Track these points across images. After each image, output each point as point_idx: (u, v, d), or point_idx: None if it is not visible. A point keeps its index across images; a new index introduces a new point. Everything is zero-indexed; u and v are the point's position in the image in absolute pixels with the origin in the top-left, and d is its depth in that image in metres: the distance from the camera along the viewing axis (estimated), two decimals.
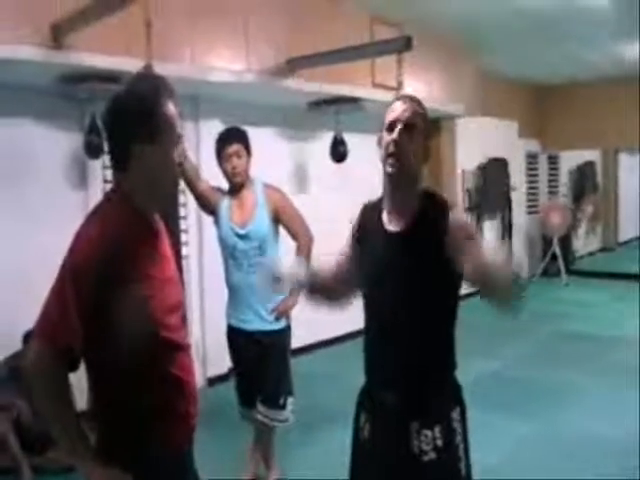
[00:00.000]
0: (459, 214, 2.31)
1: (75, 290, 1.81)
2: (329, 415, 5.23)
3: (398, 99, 2.39)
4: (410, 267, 2.26)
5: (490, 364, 6.73)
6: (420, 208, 2.30)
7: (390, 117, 2.32)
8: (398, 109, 2.31)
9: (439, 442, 2.23)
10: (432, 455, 2.22)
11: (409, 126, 2.28)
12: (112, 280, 1.82)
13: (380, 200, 2.42)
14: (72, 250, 1.87)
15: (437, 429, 2.23)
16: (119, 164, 1.99)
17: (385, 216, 2.37)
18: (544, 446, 4.85)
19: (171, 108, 1.95)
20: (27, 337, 4.67)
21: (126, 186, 1.98)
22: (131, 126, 1.91)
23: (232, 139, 4.02)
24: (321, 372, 6.53)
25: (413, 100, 2.37)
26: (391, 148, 2.27)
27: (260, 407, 4.07)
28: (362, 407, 2.46)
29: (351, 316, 5.99)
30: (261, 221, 3.98)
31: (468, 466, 2.32)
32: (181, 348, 2.05)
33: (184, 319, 2.13)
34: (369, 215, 2.46)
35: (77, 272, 1.82)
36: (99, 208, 2.00)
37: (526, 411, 5.54)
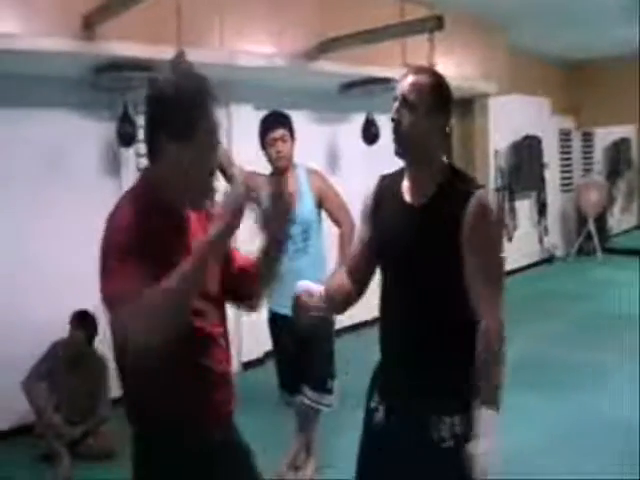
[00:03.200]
0: (484, 198, 2.16)
1: (126, 261, 1.82)
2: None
3: (406, 72, 2.28)
4: (424, 242, 2.19)
5: (523, 344, 6.65)
6: (441, 183, 2.22)
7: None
8: (400, 84, 2.23)
9: (458, 429, 2.16)
10: (450, 443, 2.16)
11: (408, 101, 2.18)
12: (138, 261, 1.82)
13: (401, 171, 2.35)
14: (105, 235, 1.90)
15: (457, 417, 2.16)
16: (151, 154, 2.00)
17: (404, 188, 2.30)
18: (577, 427, 4.82)
19: (213, 113, 1.95)
20: (74, 319, 4.78)
21: (152, 177, 2.00)
22: (168, 121, 1.90)
23: (277, 124, 4.01)
24: (359, 355, 6.48)
25: (421, 72, 2.26)
26: (392, 126, 2.23)
27: (308, 392, 4.06)
28: (376, 388, 2.41)
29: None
30: (306, 206, 3.97)
31: None
32: (209, 335, 2.05)
33: (220, 308, 2.13)
34: (387, 186, 2.38)
35: (120, 248, 1.84)
36: (122, 197, 2.02)
37: (559, 392, 5.48)
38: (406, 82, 2.21)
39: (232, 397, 2.16)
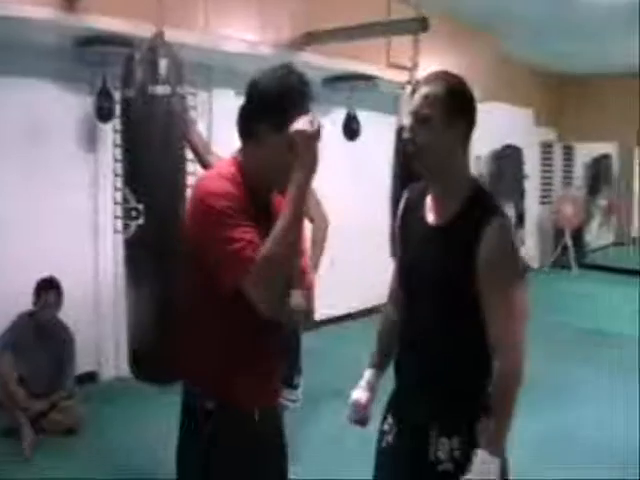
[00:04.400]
0: (502, 227, 2.04)
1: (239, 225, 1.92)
2: (331, 392, 5.19)
3: (422, 83, 2.14)
4: (440, 266, 2.10)
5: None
6: (464, 203, 2.09)
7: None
8: (414, 99, 2.10)
9: (457, 453, 2.07)
10: (448, 466, 2.07)
11: (421, 117, 2.06)
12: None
13: (426, 186, 2.24)
14: (201, 201, 1.98)
15: (455, 439, 2.08)
16: (243, 136, 2.08)
17: (427, 205, 2.20)
18: (554, 445, 4.77)
19: (308, 109, 2.01)
20: (39, 288, 4.75)
21: (245, 160, 2.08)
22: (270, 113, 1.98)
23: None
24: (325, 349, 6.50)
25: (435, 80, 2.12)
26: (408, 148, 2.12)
27: None
28: (389, 410, 2.34)
29: (360, 294, 5.90)
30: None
31: None
32: None
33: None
34: (413, 202, 2.29)
35: (228, 213, 1.93)
36: (211, 172, 2.17)
37: (528, 407, 5.46)
38: (418, 95, 2.09)
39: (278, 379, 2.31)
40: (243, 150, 2.09)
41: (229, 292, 1.91)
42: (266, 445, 2.16)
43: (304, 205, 1.95)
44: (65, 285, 4.83)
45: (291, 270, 1.95)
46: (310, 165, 1.94)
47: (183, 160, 3.66)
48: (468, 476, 1.97)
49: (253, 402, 2.10)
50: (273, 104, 1.98)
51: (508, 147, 10.65)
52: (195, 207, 2.01)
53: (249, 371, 2.08)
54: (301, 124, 1.91)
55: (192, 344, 2.14)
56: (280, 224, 1.91)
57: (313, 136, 1.92)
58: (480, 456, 1.97)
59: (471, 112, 2.12)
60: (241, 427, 2.08)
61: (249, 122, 2.04)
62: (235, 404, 2.07)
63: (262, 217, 2.02)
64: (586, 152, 13.34)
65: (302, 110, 1.98)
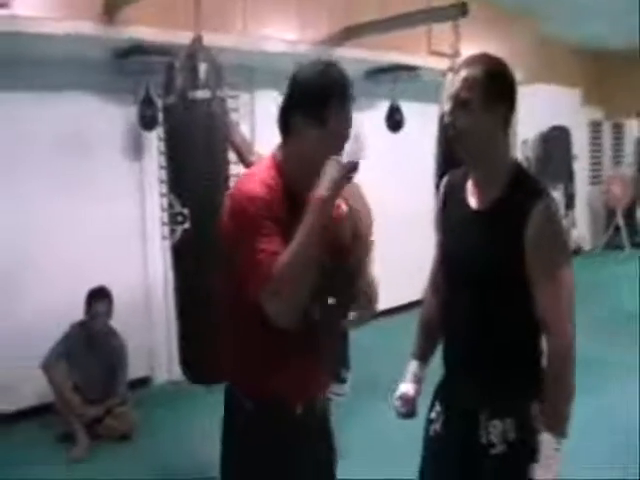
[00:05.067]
0: (548, 208, 2.01)
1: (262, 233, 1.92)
2: (379, 387, 5.18)
3: (461, 66, 2.10)
4: (486, 250, 2.08)
5: None
6: (505, 187, 2.07)
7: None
8: (454, 83, 2.07)
9: (511, 435, 2.05)
10: (501, 448, 2.06)
11: (461, 100, 2.03)
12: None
13: (466, 171, 2.22)
14: (235, 203, 1.99)
15: (509, 421, 2.05)
16: (283, 131, 2.07)
17: (469, 190, 2.18)
18: (596, 425, 4.69)
19: (349, 105, 2.01)
20: (90, 298, 4.81)
21: (280, 155, 2.07)
22: (308, 107, 1.97)
23: None
24: (373, 344, 6.49)
25: (474, 63, 2.08)
26: (449, 132, 2.10)
27: None
28: (437, 398, 2.32)
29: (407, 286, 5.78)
30: None
31: None
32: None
33: None
34: (453, 187, 2.27)
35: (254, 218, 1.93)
36: (251, 171, 2.16)
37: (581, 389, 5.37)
38: (458, 79, 2.06)
39: (318, 375, 2.21)
40: (283, 146, 2.07)
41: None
42: (307, 439, 2.14)
43: (326, 215, 1.92)
44: (116, 292, 4.90)
45: (310, 280, 1.90)
46: (339, 184, 1.92)
47: (226, 162, 3.69)
48: (539, 462, 1.96)
49: (291, 398, 2.09)
50: (313, 96, 1.96)
51: (555, 128, 10.46)
52: (229, 209, 2.00)
53: (283, 369, 2.07)
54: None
55: (230, 344, 2.16)
56: (298, 237, 1.88)
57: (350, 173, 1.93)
58: (546, 439, 1.96)
59: (511, 95, 2.09)
60: (279, 425, 2.08)
61: (289, 117, 2.02)
62: (272, 402, 2.06)
63: (296, 212, 1.97)
64: (635, 129, 13.05)
65: (342, 104, 1.98)
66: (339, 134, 2.02)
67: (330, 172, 1.90)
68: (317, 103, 1.95)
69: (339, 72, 2.02)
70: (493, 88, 2.03)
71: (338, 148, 2.00)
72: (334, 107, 1.96)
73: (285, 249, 1.88)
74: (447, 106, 2.10)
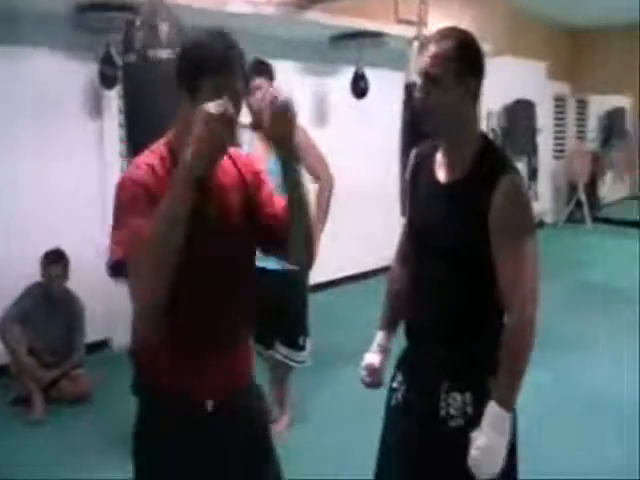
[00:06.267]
0: (515, 184, 2.01)
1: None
2: (343, 354, 5.19)
3: (430, 41, 2.06)
4: (451, 223, 2.07)
5: None
6: (474, 161, 2.07)
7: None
8: (423, 58, 2.04)
9: (469, 409, 2.05)
10: (460, 421, 2.06)
11: (431, 76, 2.01)
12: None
13: (435, 144, 2.20)
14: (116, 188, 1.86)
15: (468, 394, 2.06)
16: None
17: (438, 163, 2.17)
18: (560, 395, 4.81)
19: (224, 71, 1.80)
20: (45, 260, 4.73)
21: (171, 132, 1.94)
22: (181, 73, 1.85)
23: (255, 72, 3.90)
24: (337, 310, 6.55)
25: (442, 38, 2.04)
26: (419, 108, 2.07)
27: (280, 347, 4.06)
28: (399, 368, 2.32)
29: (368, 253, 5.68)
30: None
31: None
32: (209, 293, 1.92)
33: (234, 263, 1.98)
34: (423, 159, 2.25)
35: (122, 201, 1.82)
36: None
37: (540, 360, 5.45)
38: (427, 54, 2.03)
39: (232, 366, 2.02)
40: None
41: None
42: (218, 443, 1.98)
43: (190, 183, 1.67)
44: (75, 252, 4.83)
45: (168, 258, 1.69)
46: (202, 150, 1.66)
47: None
48: (479, 429, 1.96)
49: (197, 392, 1.94)
50: (183, 67, 1.83)
51: (520, 101, 10.48)
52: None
53: (188, 357, 1.92)
54: (212, 106, 1.65)
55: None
56: (156, 212, 1.69)
57: (216, 119, 1.64)
58: (491, 409, 1.96)
59: (480, 69, 2.08)
60: (182, 424, 1.95)
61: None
62: (173, 395, 1.93)
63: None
64: (600, 106, 13.16)
65: (215, 75, 1.78)
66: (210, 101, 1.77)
67: (197, 126, 1.66)
68: (186, 74, 1.83)
69: (218, 42, 1.82)
70: (463, 64, 2.02)
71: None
72: (205, 78, 1.78)
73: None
74: (417, 80, 2.07)
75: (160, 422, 1.97)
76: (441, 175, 2.15)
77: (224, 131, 1.66)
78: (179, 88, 1.85)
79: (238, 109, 1.82)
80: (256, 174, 2.04)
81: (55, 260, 4.71)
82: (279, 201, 1.99)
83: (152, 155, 1.88)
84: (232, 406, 1.99)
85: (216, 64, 1.79)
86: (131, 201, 1.78)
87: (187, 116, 1.76)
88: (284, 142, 1.85)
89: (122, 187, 1.82)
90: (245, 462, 2.03)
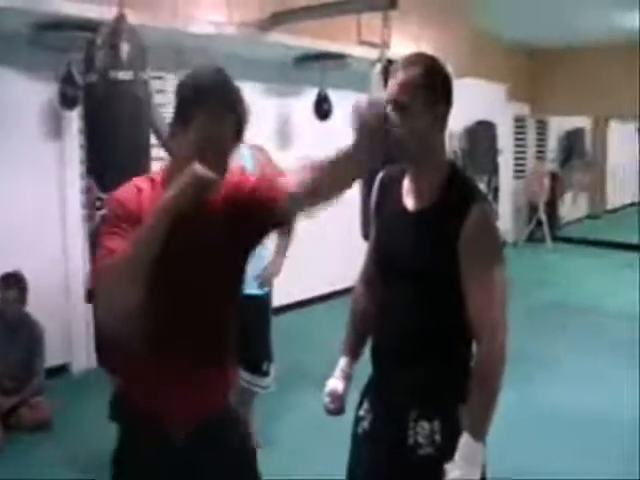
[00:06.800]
0: (484, 213, 2.00)
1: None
2: (307, 377, 5.15)
3: (398, 68, 2.07)
4: (420, 251, 2.06)
5: None
6: (442, 189, 2.06)
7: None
8: (390, 85, 2.05)
9: (437, 437, 2.03)
10: (429, 450, 2.04)
11: (401, 106, 2.00)
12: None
13: (403, 170, 2.19)
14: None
15: (436, 423, 2.04)
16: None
17: (405, 190, 2.16)
18: (521, 416, 4.79)
19: (216, 106, 1.84)
20: (1, 284, 4.62)
21: (169, 162, 1.98)
22: (177, 106, 1.87)
23: None
24: (301, 331, 6.49)
25: (410, 65, 2.05)
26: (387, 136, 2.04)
27: (243, 373, 4.02)
28: (365, 396, 2.29)
29: (329, 275, 5.69)
30: None
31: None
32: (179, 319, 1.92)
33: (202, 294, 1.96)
34: (389, 185, 2.24)
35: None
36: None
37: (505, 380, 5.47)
38: (394, 82, 2.04)
39: (202, 391, 1.98)
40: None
41: None
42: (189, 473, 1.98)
43: (162, 226, 1.73)
44: (33, 276, 4.75)
45: (134, 287, 1.71)
46: (186, 195, 1.76)
47: (148, 146, 3.58)
48: (453, 461, 1.93)
49: (168, 420, 1.93)
50: (180, 100, 1.86)
51: (481, 122, 10.61)
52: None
53: (159, 382, 1.92)
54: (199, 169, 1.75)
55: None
56: (132, 242, 1.74)
57: (199, 183, 1.76)
58: (464, 441, 1.94)
59: (449, 95, 2.09)
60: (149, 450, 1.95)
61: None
62: (144, 422, 1.94)
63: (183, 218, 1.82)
64: (559, 126, 13.36)
65: (207, 109, 1.82)
66: (202, 139, 1.83)
67: (182, 180, 1.75)
68: (181, 107, 1.85)
69: (213, 78, 1.88)
70: (431, 91, 2.03)
71: (204, 153, 1.81)
72: (197, 112, 1.81)
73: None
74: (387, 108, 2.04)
75: (136, 450, 1.97)
76: (409, 202, 2.14)
77: (205, 192, 1.77)
78: (174, 123, 1.88)
79: (226, 149, 1.89)
80: (248, 193, 1.99)
81: (11, 284, 4.62)
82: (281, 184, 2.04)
83: (146, 179, 1.95)
84: (205, 435, 1.96)
85: (209, 98, 1.83)
86: (110, 218, 1.85)
87: (177, 142, 1.87)
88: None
89: (106, 204, 1.96)
90: None
